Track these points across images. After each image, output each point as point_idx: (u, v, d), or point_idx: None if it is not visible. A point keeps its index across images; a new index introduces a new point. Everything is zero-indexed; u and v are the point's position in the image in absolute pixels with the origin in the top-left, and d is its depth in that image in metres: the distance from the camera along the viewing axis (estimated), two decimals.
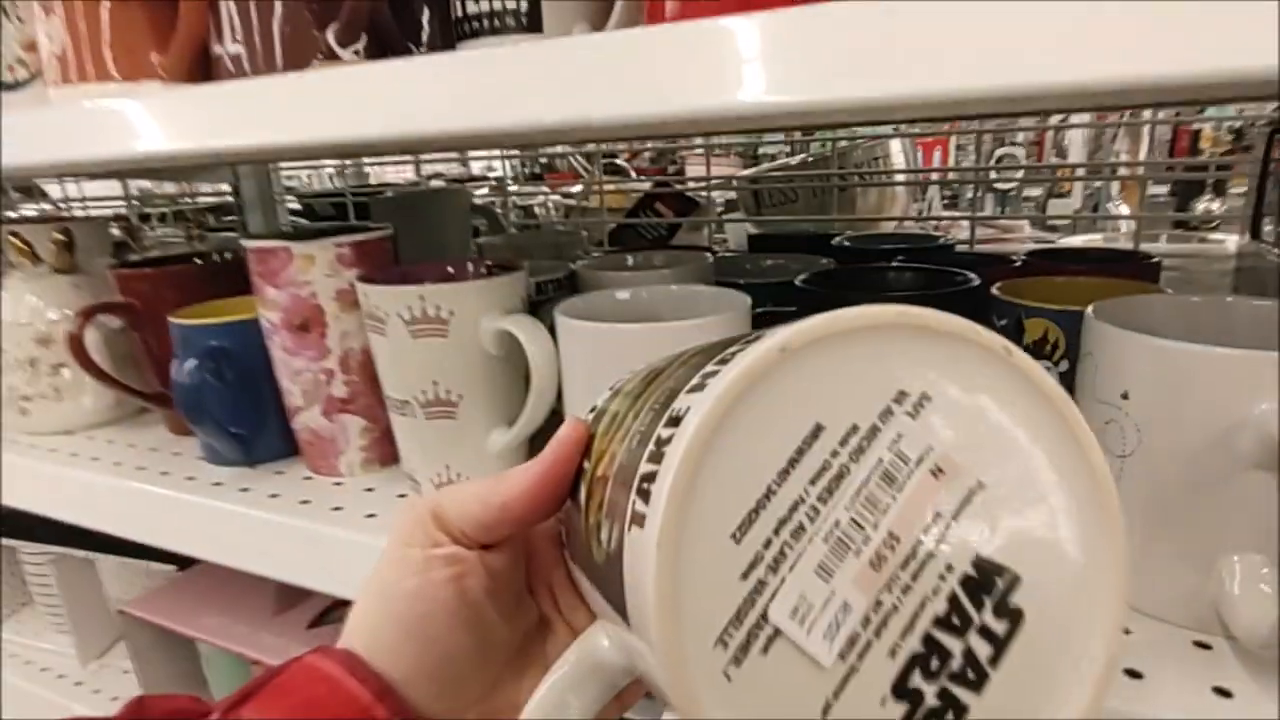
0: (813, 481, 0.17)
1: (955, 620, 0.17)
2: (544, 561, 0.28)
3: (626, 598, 0.18)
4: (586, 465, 0.23)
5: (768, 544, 0.16)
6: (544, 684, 0.23)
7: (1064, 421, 0.18)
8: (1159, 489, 0.31)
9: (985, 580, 0.17)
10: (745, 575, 0.16)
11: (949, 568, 0.17)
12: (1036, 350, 0.41)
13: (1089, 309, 0.34)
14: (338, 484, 0.50)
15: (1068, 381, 0.40)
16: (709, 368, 0.18)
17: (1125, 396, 0.31)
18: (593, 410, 0.26)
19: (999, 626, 0.17)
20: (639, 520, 0.17)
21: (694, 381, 0.18)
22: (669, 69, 0.27)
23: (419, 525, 0.25)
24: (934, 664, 0.17)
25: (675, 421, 0.17)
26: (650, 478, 0.17)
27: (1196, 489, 0.30)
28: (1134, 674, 0.29)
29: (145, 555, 0.71)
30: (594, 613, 0.24)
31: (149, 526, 0.52)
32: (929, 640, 0.17)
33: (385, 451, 0.51)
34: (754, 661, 0.16)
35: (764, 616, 0.16)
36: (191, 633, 0.62)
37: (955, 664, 0.17)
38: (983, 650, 0.17)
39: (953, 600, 0.17)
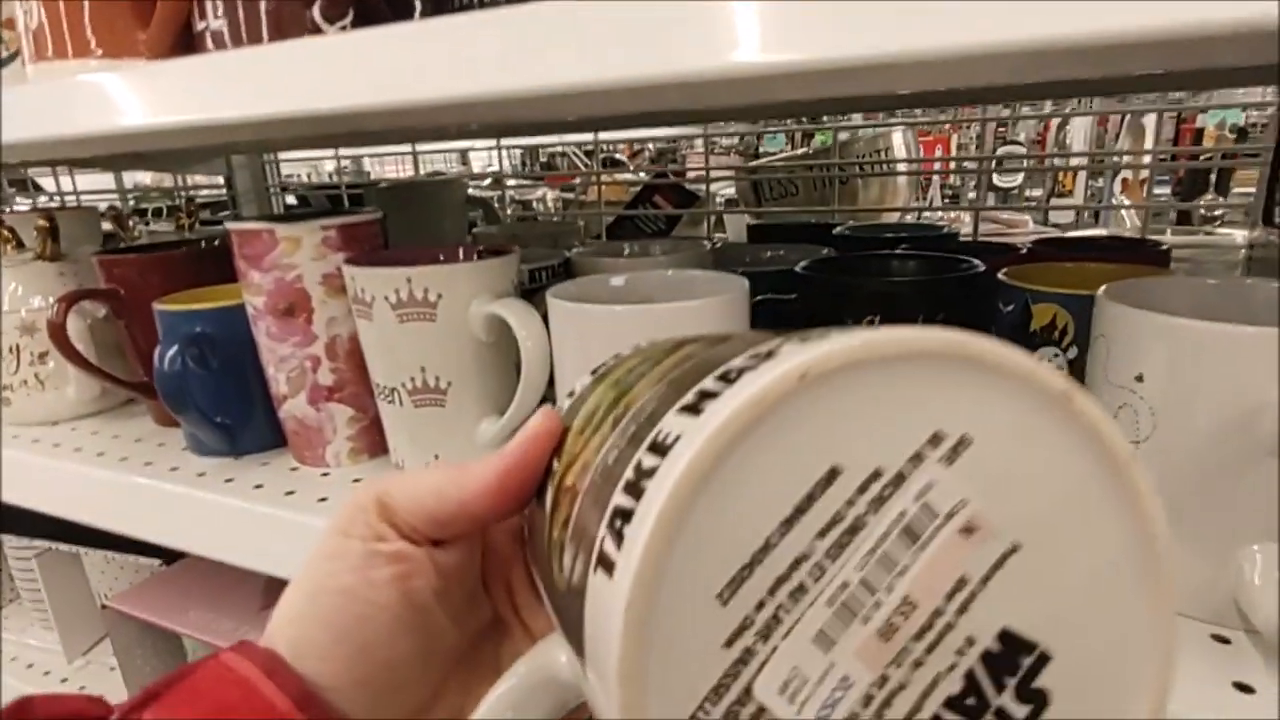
0: (821, 535, 0.14)
1: (970, 701, 0.15)
2: (502, 557, 0.26)
3: (586, 645, 0.16)
4: (556, 465, 0.21)
5: (760, 606, 0.14)
6: (489, 697, 0.20)
7: (1124, 482, 0.15)
8: (1174, 476, 0.29)
9: (1009, 658, 0.15)
10: (730, 643, 0.14)
11: (970, 641, 0.15)
12: (1045, 336, 0.40)
13: (1101, 290, 0.33)
14: (324, 475, 0.49)
15: (1077, 368, 0.38)
16: (708, 384, 0.15)
17: (1139, 379, 0.30)
18: (570, 395, 0.23)
19: (1019, 711, 0.15)
20: (607, 566, 0.14)
21: (687, 400, 0.15)
22: (662, 30, 0.25)
23: (360, 514, 0.22)
24: None
25: (660, 450, 0.15)
26: (625, 516, 0.14)
27: (1214, 475, 0.29)
28: None
29: (132, 549, 0.70)
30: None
31: (131, 518, 0.51)
32: None
33: (373, 441, 0.50)
34: None
35: (748, 691, 0.14)
36: (176, 628, 0.60)
37: None
38: None
39: (969, 679, 0.15)
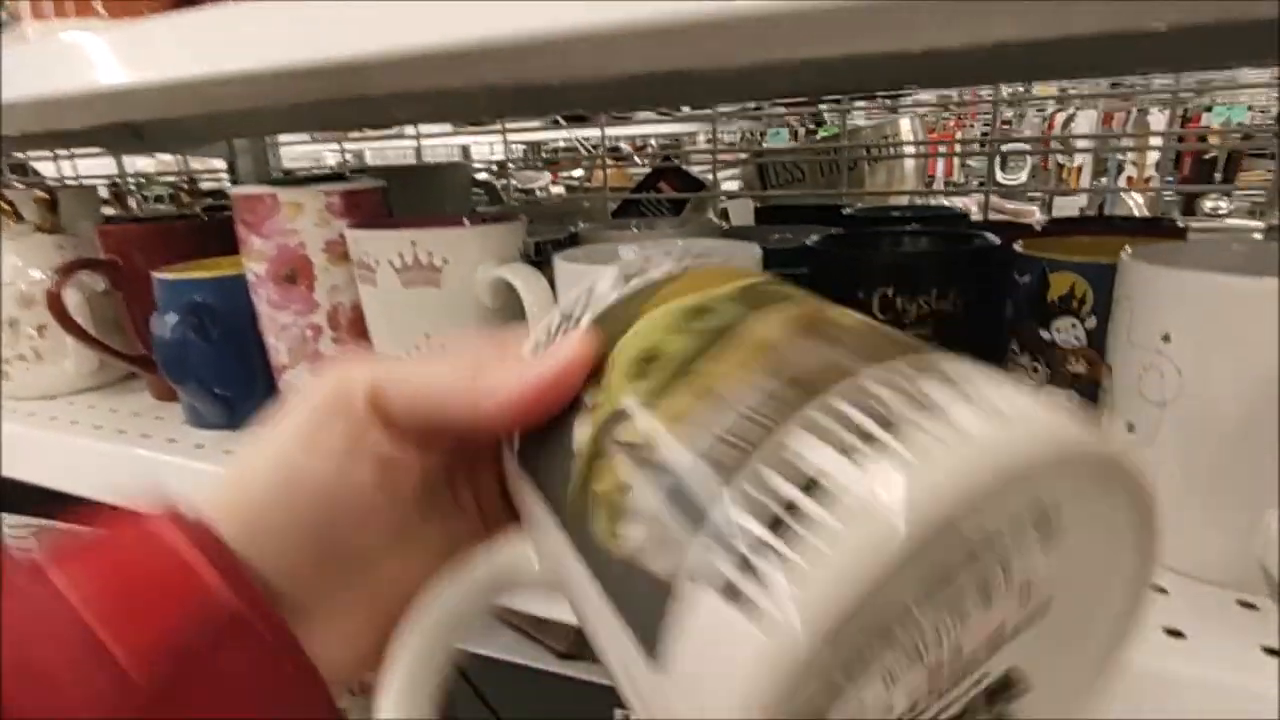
0: (929, 593, 0.14)
1: None
2: (476, 453, 0.23)
3: (677, 659, 0.14)
4: (588, 400, 0.19)
5: (857, 649, 0.14)
6: (439, 596, 0.20)
7: (1145, 569, 0.16)
8: (1201, 437, 0.29)
9: (1004, 689, 0.16)
10: (825, 679, 0.14)
11: (984, 676, 0.16)
12: (1063, 306, 0.39)
13: (1125, 251, 0.32)
14: None
15: (1096, 337, 0.38)
16: (861, 419, 0.14)
17: (1166, 339, 0.29)
18: (590, 294, 0.21)
19: None
20: (740, 602, 0.13)
21: (830, 427, 0.14)
22: None
23: (347, 406, 0.20)
24: None
25: (813, 490, 0.13)
26: (765, 552, 0.13)
27: (1243, 436, 0.28)
28: (1175, 633, 0.27)
29: None
30: (527, 526, 0.21)
31: (128, 490, 0.50)
32: None
33: None
34: None
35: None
36: None
37: None
38: None
39: (968, 706, 0.16)
